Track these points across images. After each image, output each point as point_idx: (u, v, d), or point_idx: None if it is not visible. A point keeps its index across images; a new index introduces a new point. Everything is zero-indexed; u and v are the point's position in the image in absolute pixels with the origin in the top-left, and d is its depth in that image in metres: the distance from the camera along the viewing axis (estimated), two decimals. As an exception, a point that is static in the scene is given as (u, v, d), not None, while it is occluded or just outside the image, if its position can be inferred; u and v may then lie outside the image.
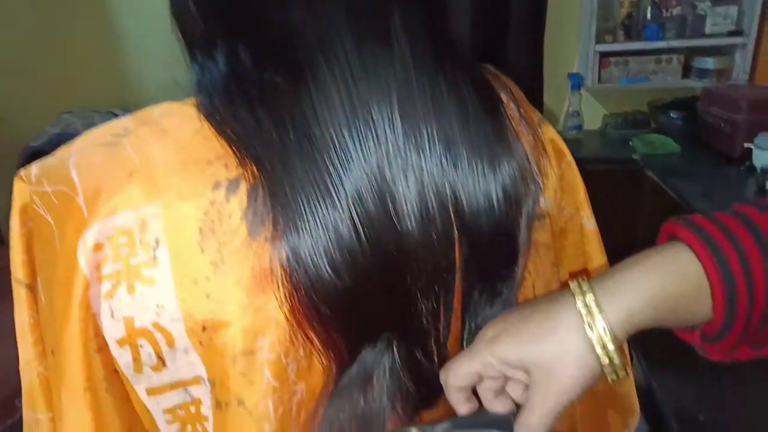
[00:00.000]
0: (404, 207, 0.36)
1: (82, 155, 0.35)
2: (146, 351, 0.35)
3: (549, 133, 0.51)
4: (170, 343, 0.35)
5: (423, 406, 0.41)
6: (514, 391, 0.40)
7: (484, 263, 0.39)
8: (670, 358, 1.35)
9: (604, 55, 2.00)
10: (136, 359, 0.36)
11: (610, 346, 0.35)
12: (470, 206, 0.38)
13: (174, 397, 0.37)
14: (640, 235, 1.73)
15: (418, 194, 0.36)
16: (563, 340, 0.36)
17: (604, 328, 0.35)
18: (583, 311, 0.35)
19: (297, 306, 0.35)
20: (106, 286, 0.34)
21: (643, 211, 1.74)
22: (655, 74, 2.01)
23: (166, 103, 0.37)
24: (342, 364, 0.37)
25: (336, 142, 0.34)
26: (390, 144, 0.36)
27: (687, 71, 2.01)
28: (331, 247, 0.34)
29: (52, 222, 0.34)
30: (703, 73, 1.98)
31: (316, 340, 0.36)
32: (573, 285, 0.37)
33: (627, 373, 0.37)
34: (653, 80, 2.02)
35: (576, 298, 0.36)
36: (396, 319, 0.37)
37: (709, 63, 1.95)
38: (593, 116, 2.18)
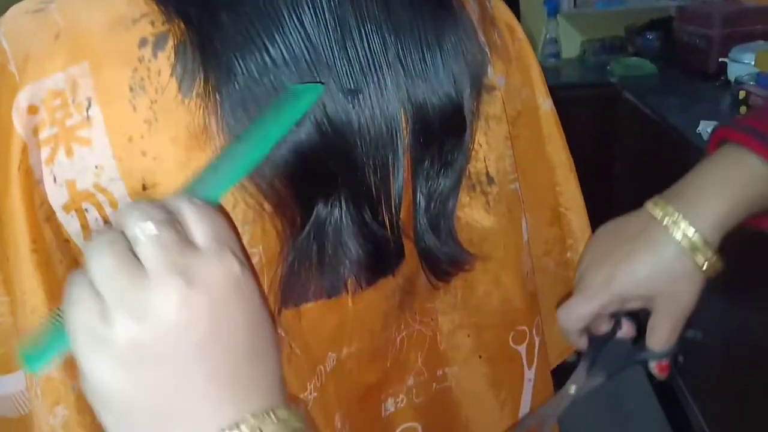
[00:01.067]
0: (342, 77, 0.35)
1: (11, 24, 0.35)
2: (92, 216, 0.35)
3: (499, 8, 0.50)
4: (113, 204, 0.35)
5: (378, 272, 0.42)
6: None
7: (431, 132, 0.39)
8: None
9: (579, -22, 1.96)
10: (84, 226, 0.36)
11: (713, 259, 0.41)
12: (414, 74, 0.38)
13: None
14: (617, 156, 1.74)
15: (359, 64, 0.36)
16: (675, 268, 0.42)
17: (704, 246, 0.41)
18: (683, 241, 0.41)
19: None
20: (45, 152, 0.34)
21: (620, 132, 1.74)
22: (632, -4, 1.98)
23: None
24: (294, 225, 0.37)
25: (268, 5, 0.34)
26: (327, 11, 0.35)
27: (663, -9, 1.98)
28: (267, 98, 0.34)
29: None
30: (678, -8, 1.95)
31: (264, 201, 0.36)
32: (660, 214, 0.43)
33: (721, 264, 0.43)
34: (629, 2, 1.99)
35: (670, 228, 0.42)
36: (345, 182, 0.37)
37: (685, -19, 1.92)
38: (571, 44, 2.15)
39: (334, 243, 0.38)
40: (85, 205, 0.35)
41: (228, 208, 0.35)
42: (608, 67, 1.92)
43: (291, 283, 0.38)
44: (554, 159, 0.54)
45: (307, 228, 0.37)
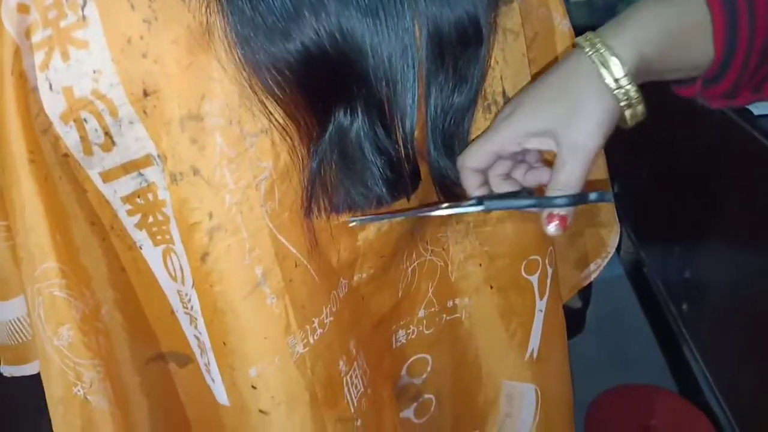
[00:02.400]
0: None
1: None
2: (92, 126, 0.34)
3: None
4: (113, 112, 0.33)
5: (395, 193, 0.40)
6: (519, 174, 0.41)
7: (446, 44, 0.37)
8: (658, 230, 1.37)
9: None
10: (84, 138, 0.34)
11: (624, 80, 0.35)
12: None
13: (129, 183, 0.36)
14: None
15: None
16: (580, 89, 0.36)
17: (615, 60, 0.35)
18: (594, 56, 0.35)
19: (243, 65, 0.33)
20: (39, 56, 0.32)
21: None
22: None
23: None
24: (312, 133, 0.35)
25: None
26: None
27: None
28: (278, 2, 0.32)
29: None
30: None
31: (275, 110, 0.34)
32: (579, 38, 0.37)
33: (645, 111, 0.37)
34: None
35: (584, 46, 0.36)
36: (360, 93, 0.35)
37: None
38: (579, -11, 2.08)
39: (358, 152, 0.36)
40: (83, 114, 0.33)
41: (230, 119, 0.33)
42: (617, 9, 1.87)
43: (317, 190, 0.37)
44: None
45: (328, 133, 0.35)
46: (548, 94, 0.37)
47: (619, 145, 0.40)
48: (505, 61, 0.42)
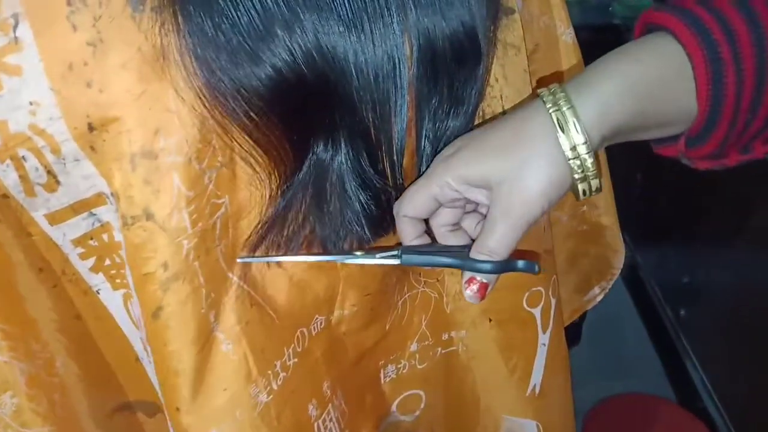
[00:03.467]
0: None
1: None
2: (32, 165, 0.29)
3: None
4: (55, 149, 0.29)
5: (377, 230, 0.36)
6: (470, 225, 0.36)
7: (439, 62, 0.34)
8: (653, 235, 1.34)
9: None
10: (24, 177, 0.30)
11: (582, 148, 0.30)
12: None
13: (80, 224, 0.32)
14: None
15: None
16: (530, 146, 0.31)
17: (574, 124, 0.30)
18: (552, 110, 0.31)
19: (204, 93, 0.29)
20: None
21: None
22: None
23: None
24: (283, 167, 0.32)
25: None
26: None
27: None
28: (247, 15, 0.28)
29: None
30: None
31: (240, 139, 0.30)
32: (542, 89, 0.32)
33: (600, 186, 0.32)
34: (634, -64, 1.87)
35: (544, 99, 0.31)
36: (343, 121, 0.32)
37: None
38: (571, -17, 2.04)
39: (338, 188, 0.33)
40: (21, 151, 0.29)
41: (189, 156, 0.30)
42: (610, 8, 1.83)
43: (275, 231, 0.33)
44: None
45: (304, 169, 0.32)
46: (495, 142, 0.32)
47: (615, 146, 0.35)
48: (506, 79, 0.38)
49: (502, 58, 0.38)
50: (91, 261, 0.33)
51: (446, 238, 0.36)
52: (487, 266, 0.33)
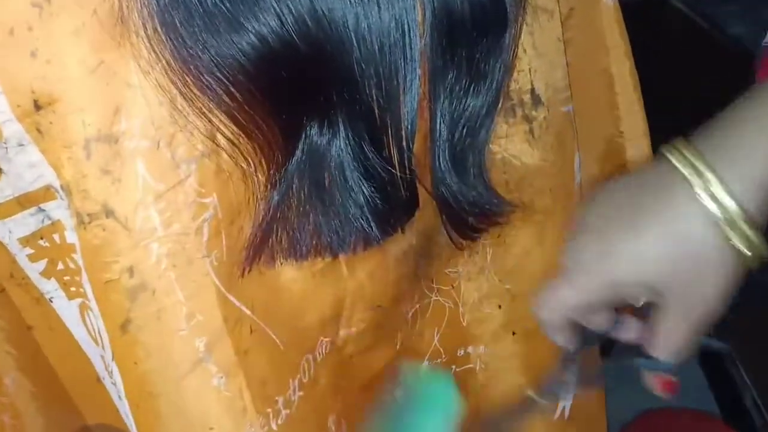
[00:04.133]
0: None
1: None
2: None
3: None
4: None
5: (384, 228, 0.32)
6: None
7: (458, 30, 0.30)
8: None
9: None
10: None
11: (757, 242, 0.28)
12: None
13: (28, 221, 0.28)
14: (662, 76, 1.57)
15: None
16: (699, 250, 0.29)
17: (740, 216, 0.28)
18: (716, 211, 0.28)
19: (172, 67, 0.25)
20: None
21: (667, 46, 1.57)
22: None
23: None
24: (274, 156, 0.28)
25: None
26: None
27: None
28: None
29: None
30: None
31: (222, 124, 0.26)
32: (673, 156, 0.30)
33: None
34: None
35: (693, 184, 0.29)
36: (342, 99, 0.28)
37: None
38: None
39: (338, 178, 0.29)
40: None
41: (157, 140, 0.26)
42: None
43: (274, 231, 0.29)
44: (614, 73, 0.43)
45: (297, 155, 0.28)
46: (655, 242, 0.30)
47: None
48: (536, 50, 0.34)
49: (532, 25, 0.34)
50: (41, 264, 0.29)
51: (591, 323, 0.34)
52: (667, 364, 0.33)
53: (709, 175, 0.28)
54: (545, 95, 0.35)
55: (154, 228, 0.26)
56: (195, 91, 0.25)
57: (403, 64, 0.28)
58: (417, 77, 0.29)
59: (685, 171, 0.29)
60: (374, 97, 0.28)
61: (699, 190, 0.28)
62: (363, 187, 0.29)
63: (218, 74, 0.25)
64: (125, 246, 0.26)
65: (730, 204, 0.28)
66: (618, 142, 0.45)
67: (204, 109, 0.26)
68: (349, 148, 0.28)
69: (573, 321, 0.33)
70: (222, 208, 0.28)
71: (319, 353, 0.34)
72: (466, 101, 0.31)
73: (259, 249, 0.29)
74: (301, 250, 0.30)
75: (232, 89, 0.25)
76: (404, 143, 0.30)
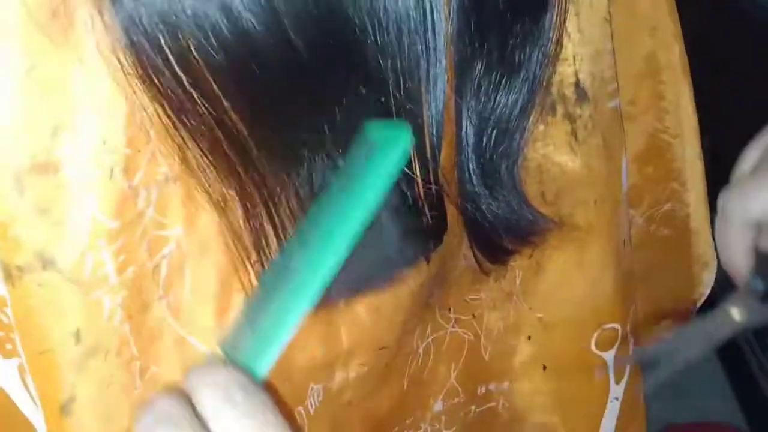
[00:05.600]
0: None
1: None
2: None
3: None
4: None
5: (415, 253, 0.27)
6: None
7: (488, 12, 0.25)
8: None
9: None
10: None
11: None
12: None
13: None
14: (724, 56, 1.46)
15: None
16: None
17: None
18: None
19: (131, 59, 0.20)
20: None
21: (704, 27, 1.49)
22: None
23: None
24: (260, 172, 0.23)
25: None
26: None
27: None
28: None
29: None
30: None
31: (193, 142, 0.21)
32: None
33: None
34: None
35: None
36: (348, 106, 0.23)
37: None
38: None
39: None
40: None
41: (110, 166, 0.21)
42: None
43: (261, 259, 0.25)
44: (660, 58, 0.38)
45: (296, 170, 0.23)
46: None
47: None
48: (581, 34, 0.29)
49: (577, 5, 0.29)
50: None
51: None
52: None
53: None
54: (591, 89, 0.30)
55: (106, 276, 0.22)
56: (160, 98, 0.20)
57: (425, 53, 0.23)
58: (443, 71, 0.24)
59: None
60: (390, 93, 0.23)
61: None
62: (381, 215, 0.24)
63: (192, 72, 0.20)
64: (69, 303, 0.22)
65: None
66: (661, 138, 0.40)
67: (169, 116, 0.21)
68: None
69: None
70: (188, 241, 0.23)
71: (311, 404, 0.29)
72: (496, 97, 0.27)
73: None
74: None
75: (209, 84, 0.20)
76: (429, 154, 0.25)
